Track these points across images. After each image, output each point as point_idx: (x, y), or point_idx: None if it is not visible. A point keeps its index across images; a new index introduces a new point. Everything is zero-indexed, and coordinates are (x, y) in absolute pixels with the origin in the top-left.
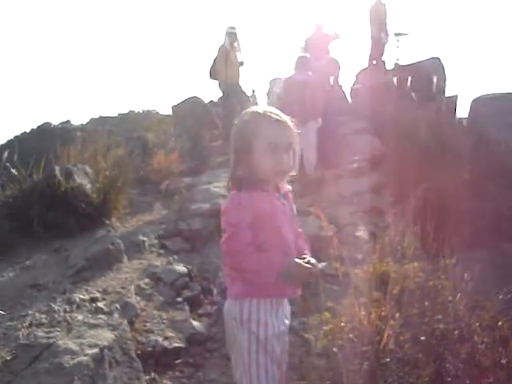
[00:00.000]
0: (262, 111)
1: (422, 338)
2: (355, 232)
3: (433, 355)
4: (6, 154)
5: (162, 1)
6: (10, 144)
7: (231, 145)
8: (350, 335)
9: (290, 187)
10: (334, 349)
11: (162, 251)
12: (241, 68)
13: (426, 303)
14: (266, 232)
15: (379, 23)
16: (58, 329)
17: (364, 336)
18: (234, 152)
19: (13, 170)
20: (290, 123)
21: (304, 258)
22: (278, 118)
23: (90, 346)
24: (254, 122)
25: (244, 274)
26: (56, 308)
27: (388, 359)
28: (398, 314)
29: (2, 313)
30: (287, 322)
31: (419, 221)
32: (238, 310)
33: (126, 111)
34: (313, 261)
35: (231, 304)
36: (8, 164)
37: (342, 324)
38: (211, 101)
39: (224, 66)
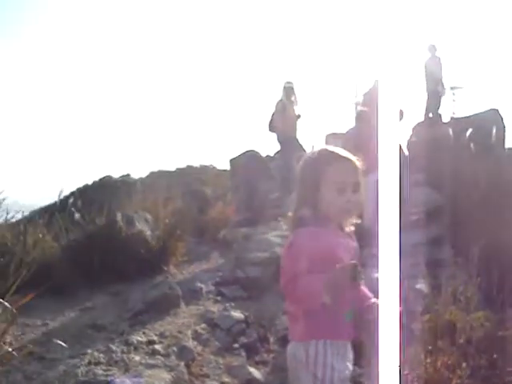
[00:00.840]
0: (330, 149)
1: None
2: (415, 284)
3: None
4: (71, 200)
5: (223, 54)
6: (74, 194)
7: (297, 182)
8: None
9: (352, 228)
10: None
11: (218, 298)
12: (298, 121)
13: (495, 354)
14: (328, 266)
15: (434, 77)
16: (116, 368)
17: None
18: (300, 189)
19: (77, 215)
20: (358, 163)
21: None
22: (346, 156)
23: None
24: (323, 159)
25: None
26: (114, 348)
27: None
28: (464, 364)
29: (64, 345)
30: (351, 367)
31: (482, 272)
32: (304, 352)
33: (184, 166)
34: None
35: (296, 346)
36: (72, 209)
37: (406, 372)
38: (268, 155)
39: (281, 120)
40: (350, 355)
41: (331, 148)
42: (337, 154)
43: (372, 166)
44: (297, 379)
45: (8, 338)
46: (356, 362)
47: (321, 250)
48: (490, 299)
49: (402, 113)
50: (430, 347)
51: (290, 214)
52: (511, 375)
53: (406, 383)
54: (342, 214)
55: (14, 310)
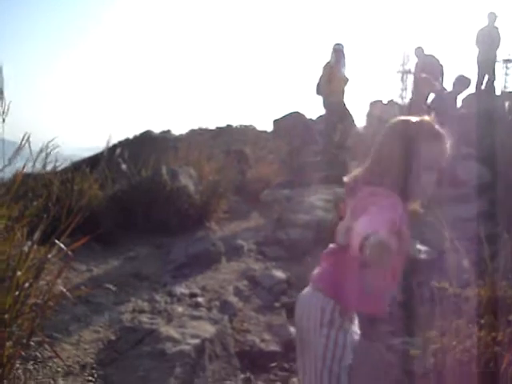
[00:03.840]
0: (432, 123)
1: None
2: (457, 259)
3: None
4: (118, 151)
5: (274, 17)
6: (118, 146)
7: (381, 147)
8: (464, 356)
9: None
10: (444, 369)
11: (260, 257)
12: (346, 85)
13: None
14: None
15: (489, 47)
16: (160, 317)
17: (479, 359)
18: (385, 156)
19: (123, 166)
20: (449, 146)
21: None
22: (445, 136)
23: (192, 336)
24: (425, 131)
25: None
26: (157, 298)
27: None
28: None
29: (113, 288)
30: (358, 332)
31: None
32: (320, 313)
33: (224, 125)
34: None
35: (314, 297)
36: (120, 159)
37: (454, 343)
38: (310, 118)
39: (328, 83)
40: (356, 320)
41: (433, 121)
42: (438, 130)
43: None
44: (310, 339)
45: (58, 281)
46: (400, 332)
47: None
48: None
49: (469, 81)
50: (480, 321)
51: (357, 173)
52: None
53: (454, 355)
54: (421, 195)
55: (70, 253)
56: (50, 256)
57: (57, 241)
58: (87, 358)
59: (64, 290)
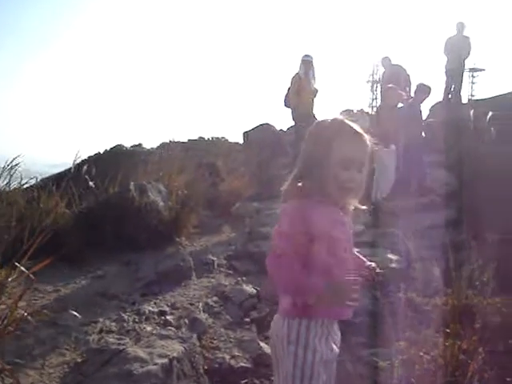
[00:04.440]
0: (345, 121)
1: (509, 380)
2: (431, 266)
3: None
4: (85, 168)
5: (242, 29)
6: (87, 162)
7: (301, 150)
8: (430, 366)
9: (353, 207)
10: (412, 379)
11: (230, 271)
12: (314, 97)
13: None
14: (320, 244)
15: (456, 56)
16: (128, 337)
17: (445, 368)
18: (303, 159)
19: (91, 183)
20: (369, 142)
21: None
22: (360, 132)
23: (160, 356)
24: (337, 130)
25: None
26: (126, 318)
27: None
28: (481, 349)
29: (77, 315)
30: (336, 349)
31: (499, 257)
32: (286, 331)
33: (196, 137)
34: (373, 265)
35: (279, 322)
36: (87, 177)
37: (421, 354)
38: (281, 129)
39: (296, 95)
40: (337, 337)
41: (346, 119)
42: (351, 127)
43: (391, 140)
44: (278, 356)
45: (21, 303)
46: (369, 342)
47: (320, 228)
48: (505, 284)
49: (429, 89)
50: (446, 330)
51: (288, 183)
52: None
53: (422, 364)
54: (344, 193)
55: (31, 276)
56: (10, 279)
57: (17, 263)
58: (52, 382)
59: (25, 313)
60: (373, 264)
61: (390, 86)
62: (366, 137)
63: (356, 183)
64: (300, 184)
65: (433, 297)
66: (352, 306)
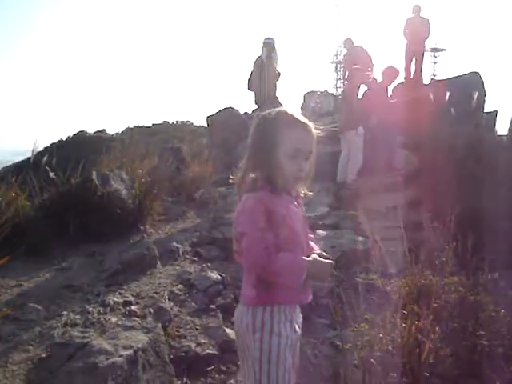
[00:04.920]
0: (290, 113)
1: (463, 354)
2: (391, 247)
3: (474, 372)
4: (45, 158)
5: (203, 13)
6: (47, 150)
7: (250, 143)
8: (389, 347)
9: (303, 193)
10: (372, 360)
11: (195, 258)
12: (278, 80)
13: (467, 318)
14: (281, 233)
15: (416, 37)
16: (92, 329)
17: (404, 348)
18: (253, 151)
19: (51, 174)
20: (314, 130)
21: (320, 255)
22: (305, 122)
23: (125, 348)
24: (282, 122)
25: (271, 278)
26: (90, 309)
27: (427, 374)
28: (438, 328)
29: (39, 308)
30: (299, 330)
31: (458, 236)
32: (251, 319)
33: (161, 122)
34: (325, 254)
35: (243, 311)
36: (47, 167)
37: (381, 335)
38: (246, 112)
39: (259, 78)
40: (299, 320)
41: (290, 111)
42: (296, 118)
43: (359, 121)
44: (244, 344)
45: None
46: (331, 325)
47: (275, 218)
48: (464, 264)
49: (397, 71)
50: (404, 311)
51: (238, 175)
52: (481, 339)
53: (381, 345)
54: (294, 182)
55: None
56: None
57: None
58: (16, 380)
59: None
60: (323, 253)
61: (356, 66)
62: (311, 125)
63: (305, 172)
64: (252, 175)
65: (394, 278)
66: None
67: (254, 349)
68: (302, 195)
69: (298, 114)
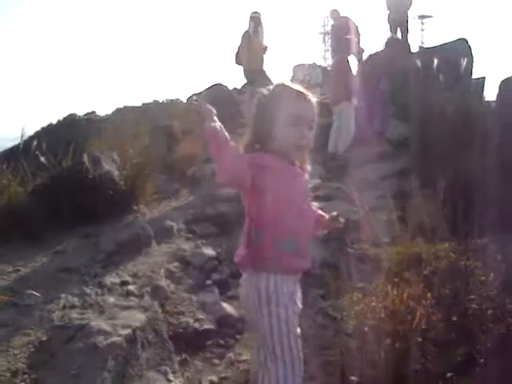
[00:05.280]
0: (289, 84)
1: (455, 319)
2: (383, 216)
3: (465, 335)
4: (35, 143)
5: None
6: (38, 135)
7: (252, 115)
8: (382, 315)
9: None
10: (366, 328)
11: (190, 236)
12: (265, 53)
13: (458, 283)
14: (273, 189)
15: (398, 7)
16: (91, 311)
17: (396, 315)
18: (254, 123)
19: (42, 159)
20: (314, 100)
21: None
22: (303, 92)
23: (123, 327)
24: (280, 93)
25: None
26: (88, 291)
27: (420, 339)
28: (429, 294)
29: (37, 294)
30: (300, 305)
31: (448, 203)
32: (256, 290)
33: (150, 101)
34: (335, 213)
35: (248, 277)
36: (37, 152)
37: (373, 304)
38: (235, 88)
39: (247, 52)
40: (299, 293)
41: (290, 83)
42: (295, 89)
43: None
44: (254, 322)
45: None
46: (325, 295)
47: (268, 172)
48: (455, 230)
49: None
50: (396, 279)
51: (240, 147)
52: (471, 303)
53: (374, 314)
54: (297, 150)
55: None
56: None
57: None
58: (18, 363)
59: None
60: (334, 213)
61: (347, 36)
62: (310, 95)
63: (308, 140)
64: (252, 147)
65: (385, 246)
66: None
67: (264, 323)
68: (308, 167)
69: (297, 85)
